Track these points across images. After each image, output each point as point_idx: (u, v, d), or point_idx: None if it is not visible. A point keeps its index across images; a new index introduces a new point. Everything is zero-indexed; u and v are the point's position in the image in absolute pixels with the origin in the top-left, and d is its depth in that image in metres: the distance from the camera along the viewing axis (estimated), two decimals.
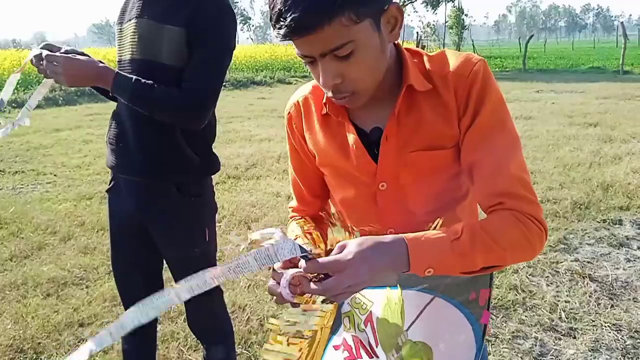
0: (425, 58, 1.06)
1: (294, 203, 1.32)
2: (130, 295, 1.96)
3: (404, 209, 1.08)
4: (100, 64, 1.60)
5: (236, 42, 1.73)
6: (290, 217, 1.31)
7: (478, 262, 0.92)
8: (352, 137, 1.08)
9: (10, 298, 3.19)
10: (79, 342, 2.72)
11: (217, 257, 2.00)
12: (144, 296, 1.99)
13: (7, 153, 7.08)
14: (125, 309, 1.98)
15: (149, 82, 1.60)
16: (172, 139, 1.69)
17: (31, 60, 1.57)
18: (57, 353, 2.62)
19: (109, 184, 1.88)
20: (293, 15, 0.84)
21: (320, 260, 0.85)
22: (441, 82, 1.01)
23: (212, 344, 2.01)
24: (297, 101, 1.16)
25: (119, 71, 1.62)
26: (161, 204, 1.76)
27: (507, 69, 23.73)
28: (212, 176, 1.89)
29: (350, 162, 1.09)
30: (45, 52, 1.53)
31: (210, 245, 1.88)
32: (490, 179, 0.98)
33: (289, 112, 1.18)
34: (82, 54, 1.62)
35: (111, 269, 2.02)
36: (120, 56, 1.72)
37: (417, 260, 0.89)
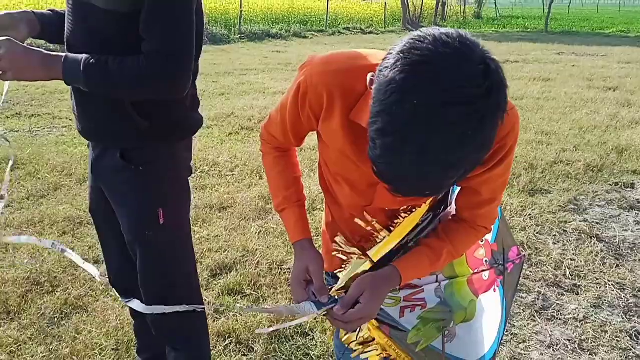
0: None
1: (271, 132, 1.31)
2: (106, 250, 1.80)
3: (382, 209, 1.24)
4: (44, 53, 1.35)
5: None
6: (266, 142, 1.33)
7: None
8: None
9: (27, 234, 3.28)
10: (93, 278, 2.80)
11: (185, 245, 1.66)
12: (117, 255, 1.73)
13: (24, 97, 7.12)
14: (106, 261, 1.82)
15: (102, 57, 1.32)
16: (115, 101, 1.43)
17: None
18: (72, 287, 2.72)
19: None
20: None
21: (349, 312, 1.14)
22: None
23: (172, 348, 1.76)
24: (323, 93, 1.07)
25: (67, 55, 1.36)
26: (110, 172, 1.55)
27: (529, 30, 23.18)
28: (194, 144, 1.64)
29: (361, 172, 1.12)
30: None
31: (168, 231, 1.56)
32: (478, 205, 1.17)
33: (307, 91, 1.10)
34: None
35: None
36: None
37: (405, 282, 1.17)
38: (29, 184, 4.09)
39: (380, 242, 1.22)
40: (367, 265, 1.21)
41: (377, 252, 1.21)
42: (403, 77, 0.78)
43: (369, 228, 1.23)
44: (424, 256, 1.18)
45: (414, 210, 1.21)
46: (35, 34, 1.56)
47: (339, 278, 1.25)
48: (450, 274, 1.31)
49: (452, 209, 1.27)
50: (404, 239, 1.21)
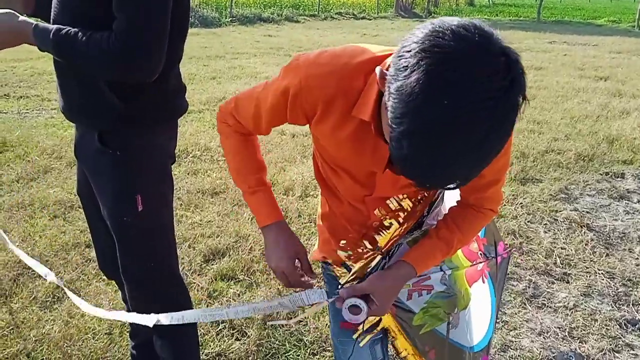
0: None
1: (239, 119, 1.27)
2: (94, 235, 1.79)
3: (382, 197, 1.24)
4: (18, 19, 1.33)
5: None
6: (227, 124, 1.30)
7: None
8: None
9: (17, 217, 3.25)
10: (86, 261, 2.79)
11: (165, 233, 1.62)
12: (105, 237, 1.68)
13: (12, 78, 7.02)
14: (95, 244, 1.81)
15: (72, 30, 1.30)
16: (90, 79, 1.41)
17: None
18: (64, 270, 2.70)
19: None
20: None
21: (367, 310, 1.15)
22: None
23: (158, 336, 1.74)
24: (318, 96, 1.06)
25: (37, 23, 1.34)
26: (90, 156, 1.53)
27: (521, 18, 23.17)
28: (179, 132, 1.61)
29: (359, 163, 1.13)
30: None
31: (146, 218, 1.52)
32: (482, 187, 1.18)
33: (300, 93, 1.07)
34: None
35: None
36: None
37: (419, 274, 1.20)
38: (18, 166, 4.04)
39: (388, 231, 1.22)
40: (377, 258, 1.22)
41: (385, 242, 1.22)
42: (430, 77, 0.76)
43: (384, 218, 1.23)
44: (436, 249, 1.20)
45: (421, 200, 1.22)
46: (29, 11, 1.55)
47: (335, 266, 1.25)
48: (450, 264, 1.33)
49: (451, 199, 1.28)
50: (412, 225, 1.23)
